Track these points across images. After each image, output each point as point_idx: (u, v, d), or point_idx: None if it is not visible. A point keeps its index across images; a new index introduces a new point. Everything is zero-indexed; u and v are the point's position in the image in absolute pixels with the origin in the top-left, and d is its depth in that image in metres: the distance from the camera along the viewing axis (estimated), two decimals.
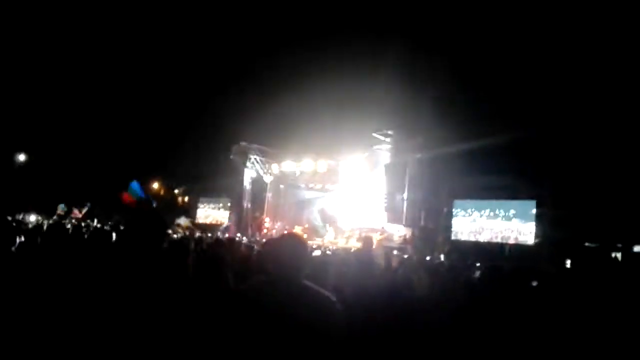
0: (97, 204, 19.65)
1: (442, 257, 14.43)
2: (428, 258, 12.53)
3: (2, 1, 17.62)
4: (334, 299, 2.30)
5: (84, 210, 18.91)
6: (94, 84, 22.07)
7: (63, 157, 23.83)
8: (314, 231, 19.78)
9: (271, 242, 5.25)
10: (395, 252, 12.99)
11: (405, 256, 14.27)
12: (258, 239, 16.71)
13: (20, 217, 17.34)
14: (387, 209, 18.40)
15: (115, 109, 22.95)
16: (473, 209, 19.51)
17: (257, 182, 23.30)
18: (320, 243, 17.19)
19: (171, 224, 21.12)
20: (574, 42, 15.16)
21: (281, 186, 23.41)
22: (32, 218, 18.50)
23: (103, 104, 22.71)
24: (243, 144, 22.17)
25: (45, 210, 19.56)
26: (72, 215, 18.62)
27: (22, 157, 26.54)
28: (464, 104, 17.20)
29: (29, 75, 20.97)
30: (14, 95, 21.00)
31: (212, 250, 4.36)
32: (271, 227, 21.48)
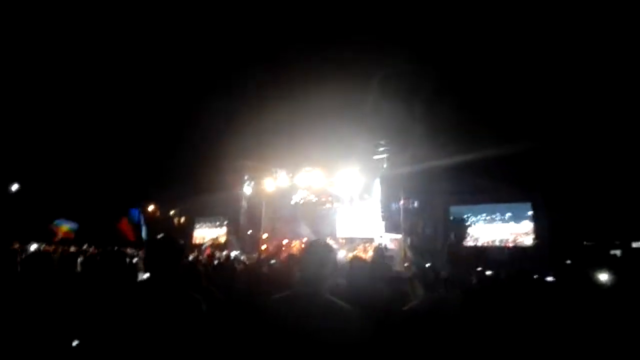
0: (89, 229, 19.57)
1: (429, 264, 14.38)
2: (428, 265, 12.48)
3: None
4: (355, 312, 2.24)
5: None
6: (84, 107, 22.01)
7: (56, 184, 23.72)
8: None
9: (296, 255, 5.23)
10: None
11: (405, 264, 14.23)
12: (256, 255, 16.62)
13: (17, 246, 17.15)
14: (384, 219, 18.37)
15: (105, 132, 22.89)
16: (469, 214, 19.56)
17: (253, 199, 23.22)
18: None
19: None
20: (559, 52, 15.33)
21: (277, 202, 23.34)
22: (34, 246, 18.29)
23: (93, 127, 22.64)
24: (237, 161, 22.15)
25: (44, 238, 19.42)
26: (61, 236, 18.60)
27: (15, 187, 26.47)
28: (457, 114, 17.28)
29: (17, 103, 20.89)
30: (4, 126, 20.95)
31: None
32: (269, 243, 21.40)
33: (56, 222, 18.92)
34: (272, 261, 8.54)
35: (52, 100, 21.19)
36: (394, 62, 16.04)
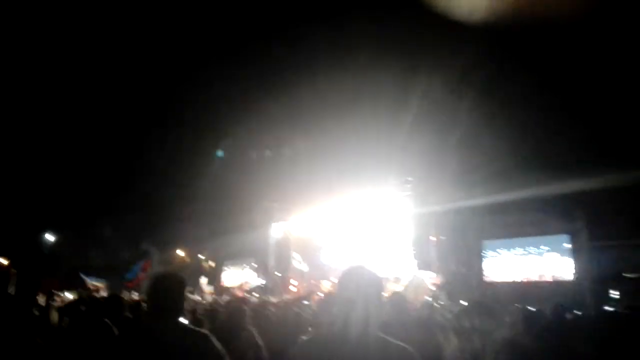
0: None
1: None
2: (465, 303, 12.04)
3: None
4: (413, 351, 1.84)
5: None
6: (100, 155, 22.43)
7: (87, 231, 24.12)
8: None
9: (327, 296, 5.07)
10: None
11: (438, 304, 13.70)
12: (286, 298, 16.35)
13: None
14: (416, 256, 17.98)
15: (131, 179, 23.28)
16: (502, 248, 19.01)
17: (281, 241, 23.11)
18: None
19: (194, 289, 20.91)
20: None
21: (306, 242, 23.15)
22: (70, 296, 18.51)
23: (116, 169, 23.03)
24: (264, 203, 22.20)
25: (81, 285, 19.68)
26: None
27: (51, 237, 27.08)
28: (487, 145, 16.86)
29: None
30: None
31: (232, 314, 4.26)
32: (299, 285, 21.10)
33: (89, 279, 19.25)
34: (305, 302, 8.33)
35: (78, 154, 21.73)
36: (424, 94, 15.79)
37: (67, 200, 23.44)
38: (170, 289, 2.30)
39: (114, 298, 4.81)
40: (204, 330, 2.36)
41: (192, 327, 2.42)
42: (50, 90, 18.38)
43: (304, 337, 2.03)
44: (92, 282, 19.50)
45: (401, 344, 1.91)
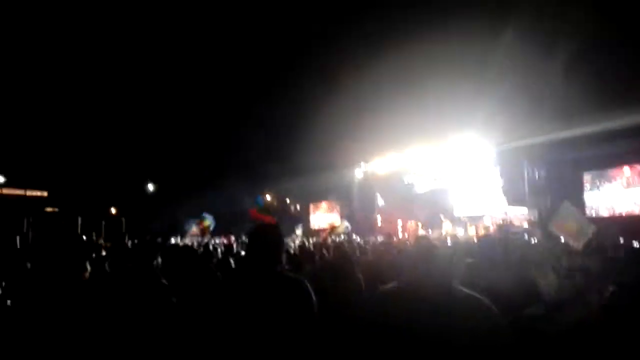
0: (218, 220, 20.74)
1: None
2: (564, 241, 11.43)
3: None
4: (494, 308, 1.79)
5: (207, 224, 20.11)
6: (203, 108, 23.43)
7: (185, 179, 25.73)
8: (429, 225, 19.17)
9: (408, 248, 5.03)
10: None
11: (533, 241, 13.13)
12: (371, 238, 16.53)
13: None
14: (506, 192, 17.21)
15: (228, 131, 24.30)
16: (604, 180, 17.69)
17: (365, 182, 23.17)
18: (437, 235, 16.55)
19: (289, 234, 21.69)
20: None
21: (389, 183, 23.02)
22: (172, 240, 19.85)
23: (213, 129, 24.09)
24: (347, 144, 22.14)
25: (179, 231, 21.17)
26: (192, 234, 20.03)
27: (151, 187, 29.24)
28: (585, 68, 15.23)
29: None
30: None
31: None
32: (384, 225, 21.19)
33: (203, 214, 20.29)
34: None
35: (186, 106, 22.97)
36: (518, 18, 14.41)
37: (165, 153, 25.09)
38: (268, 242, 2.41)
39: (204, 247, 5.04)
40: (300, 277, 2.46)
41: (288, 274, 2.51)
42: (165, 63, 19.77)
43: (379, 291, 1.92)
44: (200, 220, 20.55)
45: (485, 301, 1.77)
